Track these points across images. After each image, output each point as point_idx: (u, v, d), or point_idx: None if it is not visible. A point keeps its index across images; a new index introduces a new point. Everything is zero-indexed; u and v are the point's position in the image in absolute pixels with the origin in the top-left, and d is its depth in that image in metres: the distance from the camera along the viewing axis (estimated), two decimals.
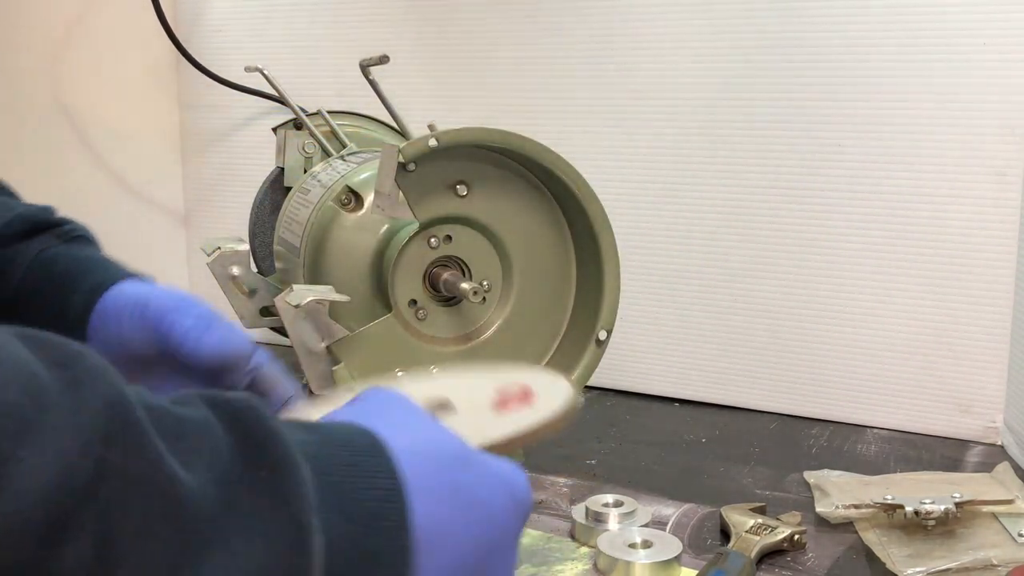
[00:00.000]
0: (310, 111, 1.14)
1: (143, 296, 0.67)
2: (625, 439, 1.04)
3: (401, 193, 0.82)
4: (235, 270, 0.96)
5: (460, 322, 0.89)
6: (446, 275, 0.87)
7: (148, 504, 0.32)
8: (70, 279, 0.69)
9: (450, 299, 0.88)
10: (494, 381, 0.57)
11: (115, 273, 0.70)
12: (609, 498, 0.83)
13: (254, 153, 1.37)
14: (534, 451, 0.98)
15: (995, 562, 0.73)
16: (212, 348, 0.65)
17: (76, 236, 0.74)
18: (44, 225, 0.73)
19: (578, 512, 0.81)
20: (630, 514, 0.81)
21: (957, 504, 0.78)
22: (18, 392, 0.30)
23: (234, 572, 0.33)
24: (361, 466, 0.38)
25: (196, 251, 1.44)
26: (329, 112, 1.14)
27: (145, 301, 0.67)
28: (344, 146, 1.10)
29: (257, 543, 0.34)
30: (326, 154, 1.11)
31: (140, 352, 0.67)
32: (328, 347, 0.82)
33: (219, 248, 0.96)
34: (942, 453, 1.00)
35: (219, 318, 0.67)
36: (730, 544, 0.76)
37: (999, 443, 1.02)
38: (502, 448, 0.52)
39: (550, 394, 0.56)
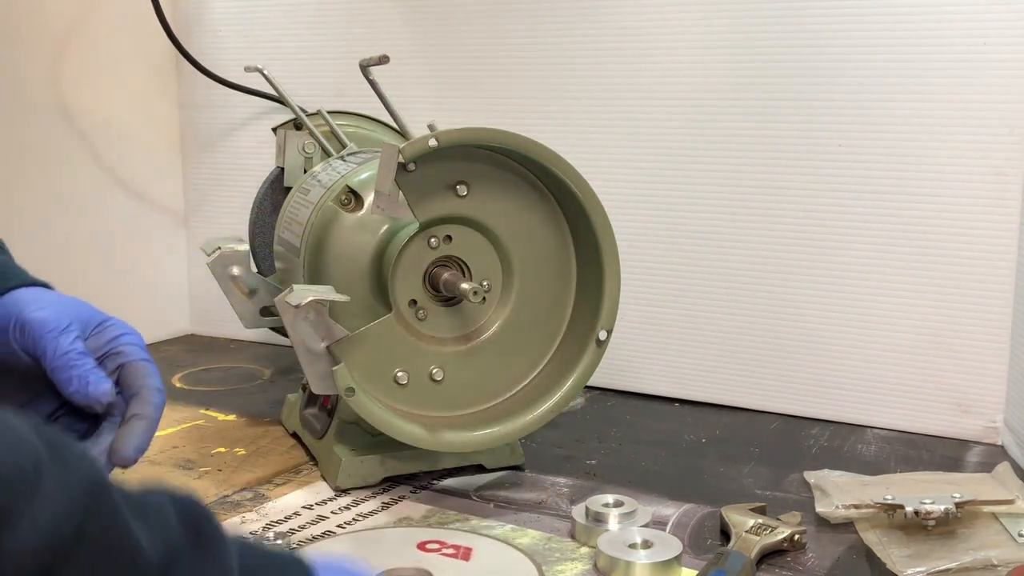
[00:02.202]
0: (310, 111, 1.14)
1: (22, 313, 0.69)
2: (625, 439, 1.04)
3: (401, 193, 0.82)
4: (235, 270, 0.96)
5: (460, 322, 0.89)
6: (446, 275, 0.87)
7: (112, 563, 0.39)
8: None
9: (450, 299, 0.88)
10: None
11: (4, 282, 0.71)
12: (609, 498, 0.83)
13: (254, 153, 1.37)
14: (534, 451, 0.98)
15: (995, 562, 0.73)
16: (72, 393, 0.68)
17: None
18: None
19: (578, 512, 0.81)
20: (630, 514, 0.81)
21: (957, 504, 0.78)
22: (27, 459, 0.37)
23: None
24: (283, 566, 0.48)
25: (196, 251, 1.44)
26: (329, 112, 1.14)
27: (23, 321, 0.69)
28: (344, 146, 1.10)
29: None
30: (326, 154, 1.11)
31: (16, 365, 0.69)
32: (328, 347, 0.82)
33: (219, 248, 0.96)
34: (942, 453, 1.00)
35: (83, 356, 0.68)
36: (730, 544, 0.76)
37: (999, 443, 1.02)
38: None
39: None
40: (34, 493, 0.37)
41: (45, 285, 0.73)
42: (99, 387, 0.68)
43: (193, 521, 0.43)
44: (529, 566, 0.74)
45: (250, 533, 0.78)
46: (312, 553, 0.51)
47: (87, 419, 0.70)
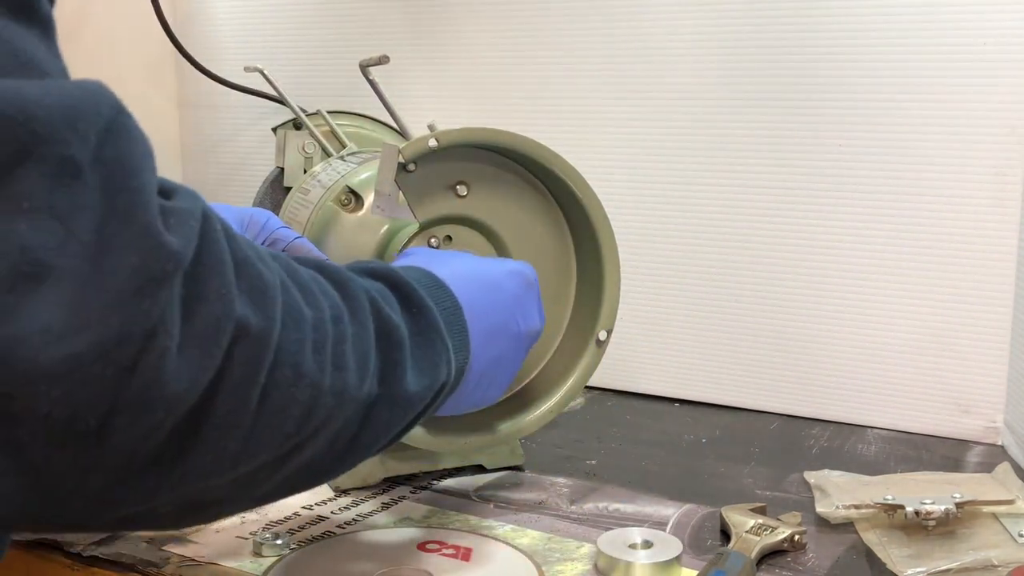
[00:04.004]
0: (310, 111, 1.14)
1: (250, 214, 0.84)
2: (625, 439, 1.04)
3: (401, 193, 0.82)
4: None
5: None
6: None
7: (391, 342, 0.57)
8: None
9: None
10: None
11: None
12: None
13: (254, 153, 1.37)
14: (534, 451, 0.98)
15: (995, 562, 0.73)
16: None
17: None
18: None
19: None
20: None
21: (957, 504, 0.78)
22: (339, 301, 0.54)
23: (425, 368, 0.60)
24: (440, 297, 0.65)
25: None
26: (329, 112, 1.14)
27: (256, 218, 0.84)
28: (344, 146, 1.10)
29: (430, 353, 0.60)
30: (326, 154, 1.11)
31: None
32: None
33: None
34: (942, 453, 1.00)
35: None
36: (730, 544, 0.76)
37: (999, 443, 1.02)
38: None
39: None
40: (348, 318, 0.54)
41: None
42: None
43: (402, 294, 0.61)
44: (529, 566, 0.74)
45: (250, 534, 0.78)
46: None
47: None
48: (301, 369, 0.48)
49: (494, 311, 0.70)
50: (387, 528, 0.81)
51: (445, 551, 0.75)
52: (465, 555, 0.75)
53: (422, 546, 0.76)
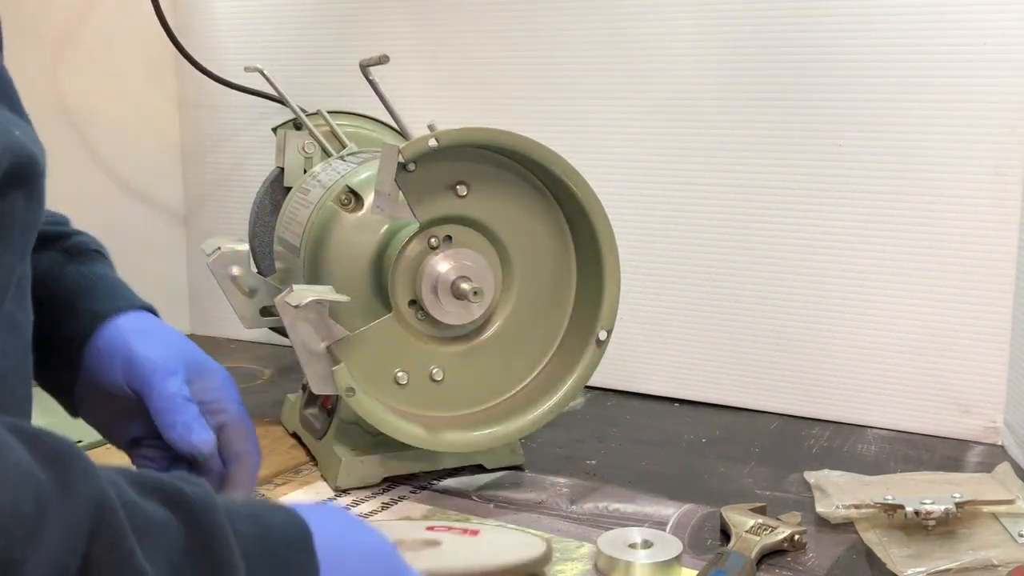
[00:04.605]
0: (310, 111, 1.14)
1: (130, 351, 0.70)
2: (625, 439, 1.04)
3: (401, 193, 0.82)
4: (235, 270, 0.96)
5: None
6: None
7: None
8: (72, 302, 0.72)
9: None
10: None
11: (113, 302, 0.72)
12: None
13: (254, 153, 1.37)
14: (534, 451, 0.98)
15: (995, 562, 0.73)
16: (174, 438, 0.69)
17: (84, 251, 0.75)
18: (51, 238, 0.74)
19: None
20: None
21: (957, 504, 0.78)
22: (29, 501, 0.36)
23: None
24: (288, 562, 0.46)
25: (196, 251, 1.44)
26: (329, 112, 1.14)
27: (129, 358, 0.69)
28: (344, 146, 1.10)
29: None
30: (326, 154, 1.11)
31: (120, 393, 0.70)
32: (328, 347, 0.82)
33: (219, 248, 0.96)
34: (942, 453, 1.00)
35: (187, 403, 0.69)
36: (730, 544, 0.76)
37: (999, 443, 1.02)
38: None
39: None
40: (38, 534, 0.36)
41: (150, 308, 0.74)
42: (201, 437, 0.69)
43: (201, 543, 0.43)
44: (536, 540, 0.74)
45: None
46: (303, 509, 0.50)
47: (182, 460, 0.71)
48: None
49: None
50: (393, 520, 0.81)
51: (453, 531, 0.75)
52: (473, 532, 0.75)
53: (431, 528, 0.75)
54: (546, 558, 0.72)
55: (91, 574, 0.38)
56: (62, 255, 0.74)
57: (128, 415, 0.71)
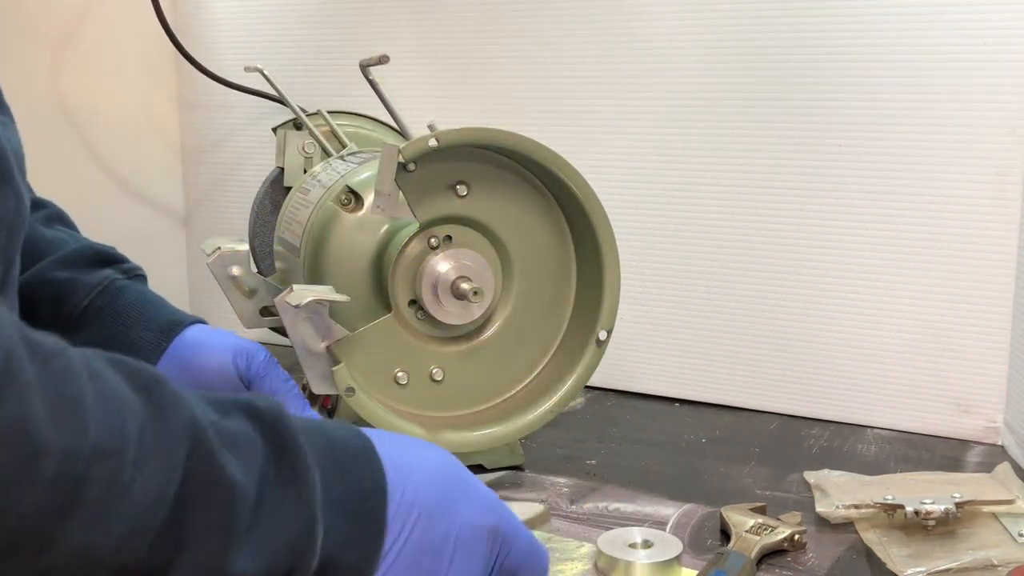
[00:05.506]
0: (310, 111, 1.14)
1: (232, 339, 0.80)
2: (625, 439, 1.04)
3: (401, 193, 0.82)
4: (235, 270, 0.96)
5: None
6: None
7: (213, 500, 0.42)
8: (139, 313, 0.79)
9: None
10: None
11: (184, 315, 0.81)
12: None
13: (254, 153, 1.37)
14: (534, 451, 0.98)
15: (995, 562, 0.73)
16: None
17: (138, 275, 0.83)
18: (108, 258, 0.81)
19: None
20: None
21: (957, 504, 0.78)
22: (132, 425, 0.40)
23: (265, 546, 0.44)
24: (353, 469, 0.49)
25: (196, 251, 1.44)
26: (329, 112, 1.14)
27: (240, 343, 0.80)
28: (344, 146, 1.10)
29: (282, 527, 0.45)
30: (326, 154, 1.11)
31: (214, 381, 0.78)
32: (328, 347, 0.82)
33: (219, 248, 0.96)
34: (942, 453, 1.00)
35: (300, 394, 0.81)
36: (730, 544, 0.76)
37: (999, 443, 1.02)
38: None
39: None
40: (142, 453, 0.40)
41: (202, 321, 0.83)
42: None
43: (281, 450, 0.46)
44: (534, 504, 0.78)
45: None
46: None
47: None
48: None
49: (445, 519, 0.51)
50: None
51: None
52: None
53: None
54: (545, 517, 0.78)
55: (190, 486, 0.41)
56: (120, 274, 0.81)
57: None
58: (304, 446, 0.47)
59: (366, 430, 0.52)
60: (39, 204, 0.83)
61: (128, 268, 0.82)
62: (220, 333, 0.81)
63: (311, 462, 0.46)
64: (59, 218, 0.84)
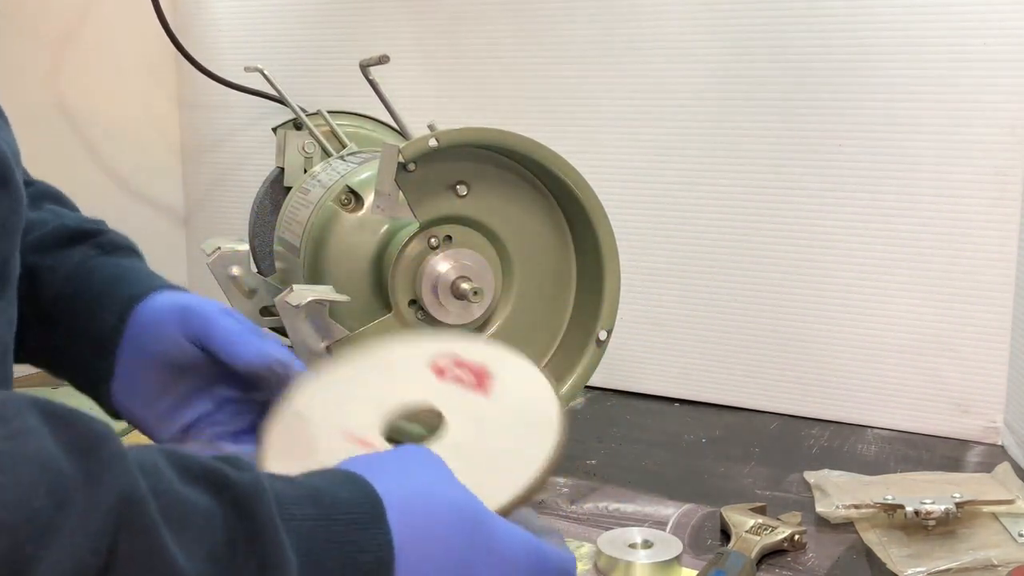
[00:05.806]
0: (310, 111, 1.14)
1: (183, 302, 0.67)
2: (625, 439, 1.04)
3: (401, 193, 0.82)
4: (235, 270, 0.96)
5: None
6: None
7: None
8: (107, 290, 0.69)
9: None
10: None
11: (150, 283, 0.70)
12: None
13: (254, 153, 1.37)
14: None
15: (995, 562, 0.73)
16: (252, 354, 0.64)
17: (117, 247, 0.74)
18: (84, 235, 0.72)
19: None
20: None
21: (957, 504, 0.78)
22: (44, 495, 0.34)
23: None
24: (353, 540, 0.42)
25: (196, 251, 1.44)
26: (329, 112, 1.14)
27: (186, 306, 0.66)
28: (344, 146, 1.10)
29: None
30: (326, 154, 1.11)
31: (176, 359, 0.67)
32: (328, 347, 0.82)
33: (219, 248, 0.96)
34: (942, 453, 1.00)
35: (258, 328, 0.67)
36: (730, 544, 0.76)
37: (999, 443, 1.02)
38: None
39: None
40: (53, 531, 0.34)
41: (185, 291, 0.71)
42: (280, 350, 0.64)
43: (248, 536, 0.39)
44: (551, 406, 0.61)
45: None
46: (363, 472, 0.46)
47: (245, 416, 0.68)
48: None
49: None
50: (396, 345, 0.68)
51: (462, 376, 0.64)
52: (482, 384, 0.63)
53: (436, 369, 0.64)
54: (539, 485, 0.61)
55: (117, 570, 0.35)
56: (95, 250, 0.72)
57: (180, 390, 0.67)
58: (282, 531, 0.40)
59: (383, 464, 0.46)
60: (26, 184, 0.77)
61: (104, 242, 0.73)
62: (169, 299, 0.68)
63: (287, 552, 0.40)
64: (46, 196, 0.77)
